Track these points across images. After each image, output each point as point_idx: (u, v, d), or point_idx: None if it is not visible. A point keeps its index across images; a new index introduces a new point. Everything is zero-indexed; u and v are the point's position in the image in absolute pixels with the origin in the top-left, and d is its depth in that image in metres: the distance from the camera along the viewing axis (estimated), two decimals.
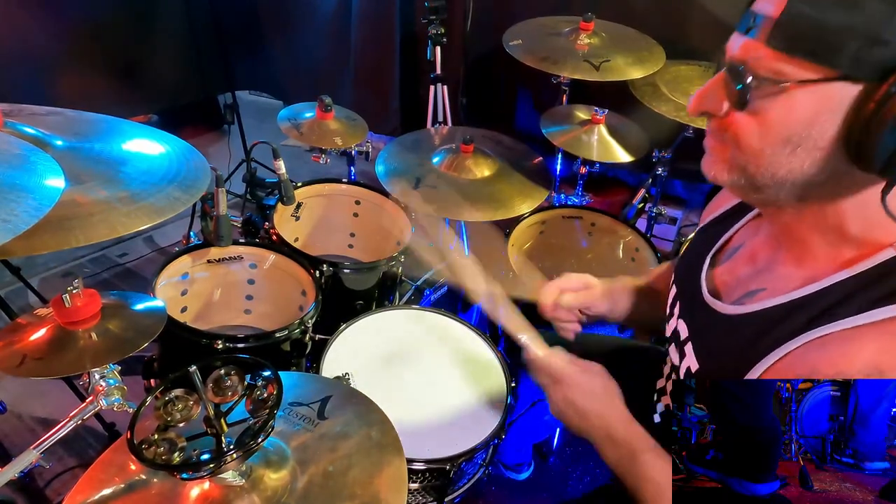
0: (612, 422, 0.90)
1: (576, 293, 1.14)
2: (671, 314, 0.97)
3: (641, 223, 2.13)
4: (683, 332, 0.90)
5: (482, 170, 1.82)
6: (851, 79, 0.59)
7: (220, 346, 1.31)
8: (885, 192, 0.61)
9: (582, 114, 2.02)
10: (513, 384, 1.29)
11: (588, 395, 0.94)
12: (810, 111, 0.62)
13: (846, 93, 0.60)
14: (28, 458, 1.00)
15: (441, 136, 2.06)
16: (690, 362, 0.86)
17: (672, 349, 0.94)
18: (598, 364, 0.98)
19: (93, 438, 1.81)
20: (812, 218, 0.71)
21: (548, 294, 1.14)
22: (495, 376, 1.32)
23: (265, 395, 0.74)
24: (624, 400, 0.94)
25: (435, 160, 1.85)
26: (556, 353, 0.99)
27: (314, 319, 1.45)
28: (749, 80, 0.64)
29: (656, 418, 1.01)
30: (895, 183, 0.60)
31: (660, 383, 1.02)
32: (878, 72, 0.57)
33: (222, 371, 0.75)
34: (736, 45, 0.67)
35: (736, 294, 0.82)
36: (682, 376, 0.89)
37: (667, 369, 0.98)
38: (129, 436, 0.70)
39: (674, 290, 0.98)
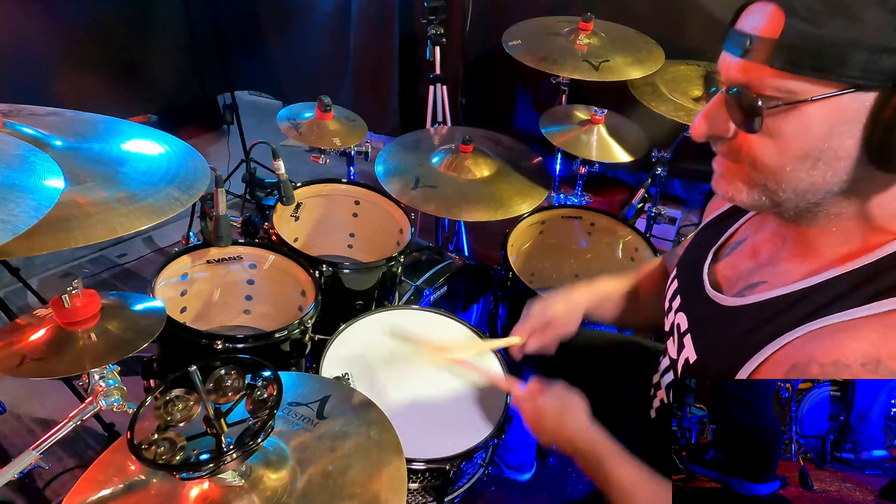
0: (576, 436, 0.94)
1: (538, 336, 1.18)
2: (670, 308, 0.98)
3: (641, 223, 2.13)
4: (683, 325, 0.91)
5: (481, 170, 1.82)
6: (864, 89, 0.59)
7: (220, 347, 1.30)
8: None
9: (581, 114, 2.02)
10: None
11: (552, 416, 0.98)
12: (826, 125, 0.62)
13: (860, 103, 0.60)
14: (27, 459, 1.00)
15: (440, 136, 2.06)
16: (689, 354, 0.87)
17: (670, 342, 0.96)
18: (559, 383, 1.02)
19: (92, 439, 1.82)
20: (827, 220, 0.71)
21: (514, 340, 1.20)
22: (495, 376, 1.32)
23: (265, 395, 0.74)
24: (614, 396, 0.97)
25: (434, 160, 1.85)
26: (516, 384, 1.06)
27: (314, 320, 1.45)
28: (758, 102, 0.63)
29: (652, 413, 1.02)
30: None
31: (655, 378, 1.03)
32: (888, 80, 0.57)
33: (222, 371, 0.75)
34: (733, 66, 0.66)
35: (737, 287, 0.83)
36: (680, 368, 0.90)
37: (664, 364, 0.99)
38: (128, 436, 0.70)
39: (674, 285, 0.99)
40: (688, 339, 0.88)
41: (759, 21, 0.63)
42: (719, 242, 0.93)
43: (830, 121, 0.61)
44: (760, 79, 0.63)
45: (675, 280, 1.00)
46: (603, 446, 0.91)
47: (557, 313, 1.17)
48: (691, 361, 0.86)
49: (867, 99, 0.59)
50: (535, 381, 1.04)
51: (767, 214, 0.85)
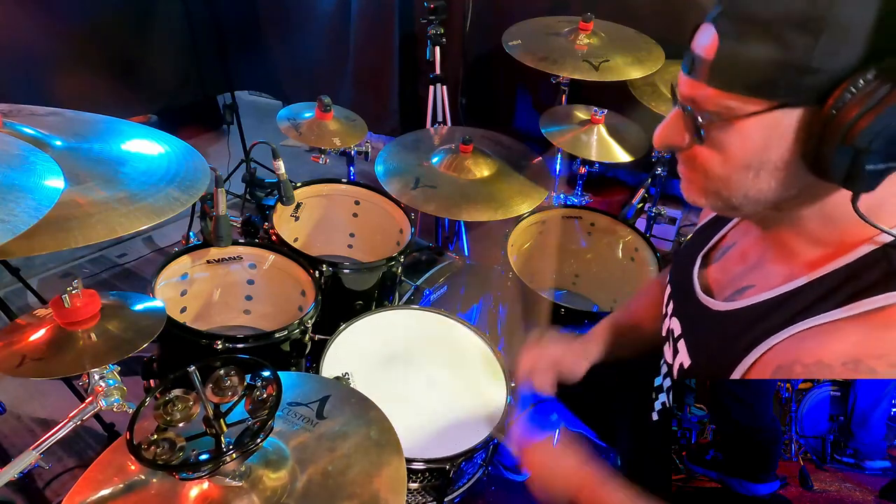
0: (570, 478, 0.95)
1: (543, 377, 1.17)
2: (666, 313, 0.98)
3: (641, 223, 2.13)
4: (677, 330, 0.92)
5: (481, 170, 1.82)
6: (792, 105, 0.62)
7: (220, 347, 1.30)
8: (854, 201, 0.63)
9: (581, 114, 2.02)
10: (512, 384, 1.29)
11: (547, 469, 0.99)
12: (762, 138, 0.65)
13: (790, 118, 0.63)
14: (27, 459, 1.00)
15: (440, 136, 2.06)
16: (683, 359, 0.88)
17: (667, 347, 0.96)
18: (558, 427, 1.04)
19: (92, 439, 1.81)
20: (791, 224, 0.73)
21: (520, 377, 1.18)
22: (495, 376, 1.32)
23: (265, 395, 0.74)
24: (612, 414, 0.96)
25: (434, 160, 1.85)
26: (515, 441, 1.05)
27: (314, 320, 1.45)
28: (699, 117, 0.68)
29: (654, 416, 1.02)
30: (860, 191, 0.63)
31: (656, 381, 1.03)
32: (814, 97, 0.60)
33: (222, 371, 0.75)
34: (684, 83, 0.70)
35: (727, 291, 0.84)
36: (675, 373, 0.90)
37: (663, 369, 0.99)
38: (128, 436, 0.70)
39: (668, 290, 0.99)
40: (681, 345, 0.89)
41: (704, 41, 0.67)
42: (708, 246, 0.94)
43: (766, 135, 0.64)
44: (703, 96, 0.67)
45: (669, 285, 1.00)
46: (599, 476, 0.93)
47: (558, 355, 1.16)
48: (685, 366, 0.86)
49: (796, 114, 0.62)
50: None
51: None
